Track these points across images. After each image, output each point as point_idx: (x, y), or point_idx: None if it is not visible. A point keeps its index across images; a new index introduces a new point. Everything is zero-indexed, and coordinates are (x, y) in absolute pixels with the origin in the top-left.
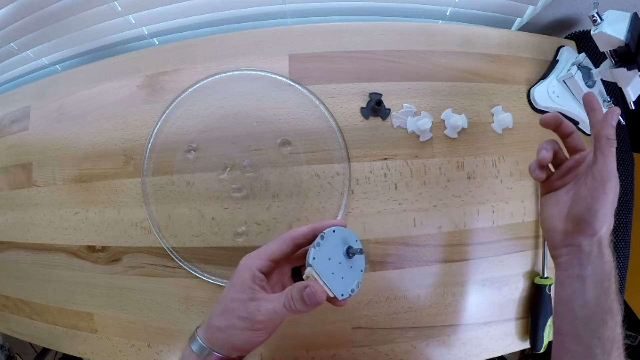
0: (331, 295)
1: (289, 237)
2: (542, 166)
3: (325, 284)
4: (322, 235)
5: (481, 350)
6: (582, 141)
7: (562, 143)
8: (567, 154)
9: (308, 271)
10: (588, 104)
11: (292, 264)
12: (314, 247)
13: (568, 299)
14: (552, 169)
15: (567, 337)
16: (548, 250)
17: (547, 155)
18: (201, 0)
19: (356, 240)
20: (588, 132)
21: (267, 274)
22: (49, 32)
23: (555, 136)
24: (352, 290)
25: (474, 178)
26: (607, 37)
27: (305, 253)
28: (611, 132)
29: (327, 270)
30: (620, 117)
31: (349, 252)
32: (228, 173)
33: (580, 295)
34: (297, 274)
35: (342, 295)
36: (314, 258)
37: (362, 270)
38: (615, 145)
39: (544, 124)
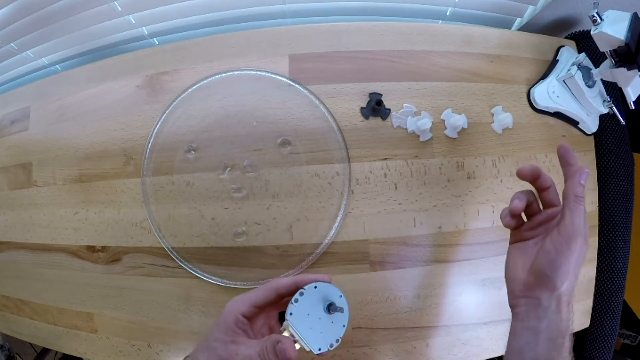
0: (307, 350)
1: (272, 287)
2: (514, 215)
3: (301, 338)
4: (301, 292)
5: (481, 350)
6: (557, 197)
7: (538, 195)
8: (541, 207)
9: (284, 325)
10: (563, 158)
11: (279, 309)
12: (292, 303)
13: (519, 350)
14: (525, 219)
15: None
16: (507, 289)
17: (520, 205)
18: (201, 0)
19: (340, 297)
20: (588, 132)
21: (250, 318)
22: (49, 32)
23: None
24: (331, 345)
25: (474, 178)
26: (607, 37)
27: (289, 301)
28: (579, 190)
29: (304, 325)
30: (620, 117)
31: (330, 309)
32: (228, 173)
33: (532, 348)
34: (283, 318)
35: (320, 349)
36: (290, 314)
37: (344, 326)
38: (583, 203)
39: (521, 176)
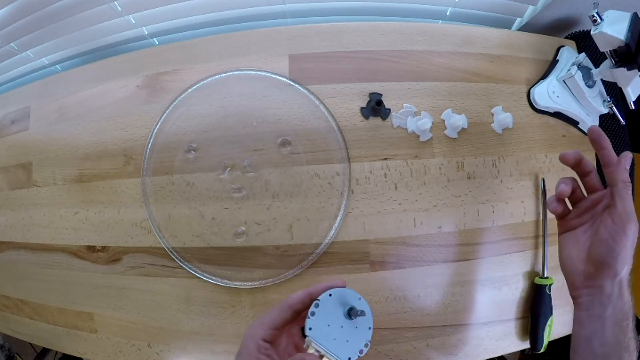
0: None
1: (286, 304)
2: (560, 199)
3: (327, 351)
4: (316, 303)
5: (481, 350)
6: (599, 181)
7: (580, 181)
8: (584, 193)
9: (307, 341)
10: (596, 142)
11: (300, 324)
12: (309, 317)
13: (588, 338)
14: (570, 207)
15: None
16: (566, 281)
17: (566, 189)
18: (201, 0)
19: (359, 299)
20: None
21: (272, 341)
22: (49, 32)
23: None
24: (361, 351)
25: (474, 178)
26: (607, 37)
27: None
28: (626, 176)
29: (327, 337)
30: (620, 117)
31: (351, 314)
32: (228, 173)
33: (600, 334)
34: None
35: (349, 359)
36: (310, 329)
37: (370, 328)
38: (631, 187)
39: (564, 160)
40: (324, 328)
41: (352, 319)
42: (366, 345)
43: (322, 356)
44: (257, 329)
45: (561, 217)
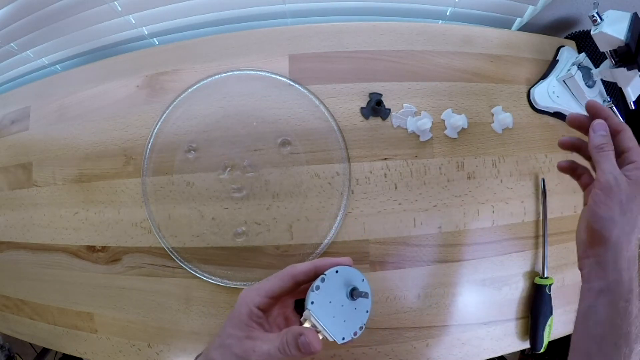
0: (330, 340)
1: (289, 273)
2: (563, 146)
3: (324, 328)
4: (322, 278)
5: (481, 350)
6: (630, 141)
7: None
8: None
9: (305, 315)
10: (575, 125)
11: (295, 296)
12: (313, 291)
13: (584, 314)
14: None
15: (580, 355)
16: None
17: (566, 140)
18: (201, 0)
19: (362, 280)
20: None
21: (266, 309)
22: (49, 32)
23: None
24: (355, 333)
25: (474, 178)
26: (607, 37)
27: (308, 288)
28: (597, 141)
29: (327, 314)
30: (620, 117)
31: (353, 294)
32: (228, 173)
33: (594, 311)
34: (300, 306)
35: (343, 339)
36: (312, 302)
37: (367, 312)
38: (608, 149)
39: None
40: (326, 304)
41: (354, 300)
42: (361, 328)
43: (318, 331)
44: (252, 294)
45: (585, 186)
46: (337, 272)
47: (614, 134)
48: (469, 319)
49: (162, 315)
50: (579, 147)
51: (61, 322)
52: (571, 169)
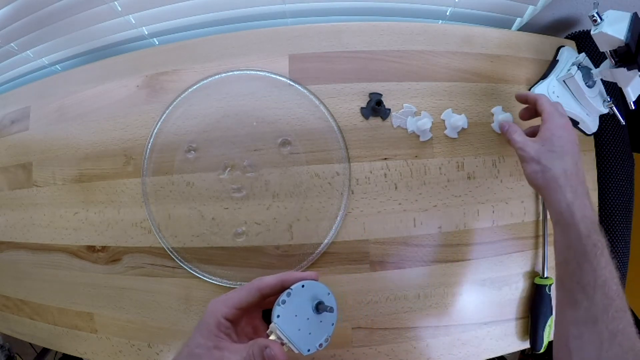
0: (295, 352)
1: (256, 287)
2: (519, 99)
3: (289, 340)
4: (289, 292)
5: (481, 350)
6: (540, 106)
7: None
8: None
9: (271, 328)
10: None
11: (263, 307)
12: (279, 305)
13: (554, 242)
14: None
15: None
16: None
17: (520, 94)
18: (201, 0)
19: (328, 294)
20: (588, 132)
21: (233, 320)
22: (49, 32)
23: None
24: (320, 345)
25: (474, 178)
26: (607, 37)
27: (275, 300)
28: (502, 132)
29: (292, 326)
30: (620, 117)
31: (319, 308)
32: (228, 173)
33: (556, 239)
34: (268, 316)
35: (309, 350)
36: (278, 316)
37: (332, 324)
38: (509, 134)
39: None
40: (291, 318)
41: (319, 313)
42: (326, 340)
43: (283, 344)
44: (220, 306)
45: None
46: (303, 286)
47: (534, 106)
48: (469, 319)
49: (162, 315)
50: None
51: (61, 322)
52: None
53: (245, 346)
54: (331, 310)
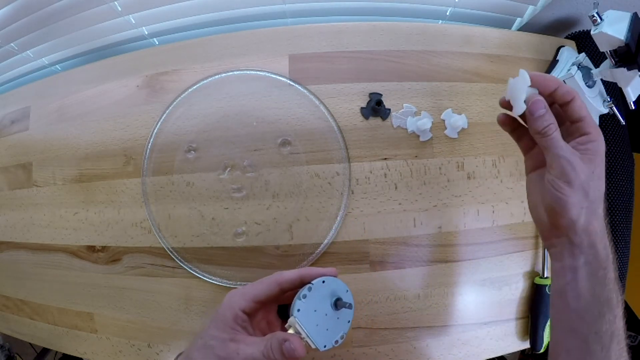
0: (312, 347)
1: (275, 280)
2: (503, 105)
3: (307, 335)
4: (309, 287)
5: (481, 350)
6: (581, 110)
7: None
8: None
9: (291, 321)
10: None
11: (279, 302)
12: (300, 299)
13: (562, 290)
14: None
15: (563, 332)
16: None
17: (504, 98)
18: (201, 0)
19: (347, 291)
20: None
21: (250, 313)
22: (49, 32)
23: None
24: (336, 342)
25: (474, 178)
26: (607, 37)
27: (292, 295)
28: (539, 125)
29: (311, 322)
30: (620, 117)
31: (337, 305)
32: (228, 173)
33: (574, 286)
34: (283, 311)
35: (325, 346)
36: (298, 310)
37: (349, 322)
38: (554, 129)
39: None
40: (310, 312)
41: (337, 310)
42: (342, 337)
43: (301, 338)
44: (238, 298)
45: (526, 150)
46: (323, 282)
47: (564, 104)
48: (469, 319)
49: (162, 315)
50: (521, 127)
51: (61, 322)
52: (511, 128)
53: (262, 339)
54: (350, 307)
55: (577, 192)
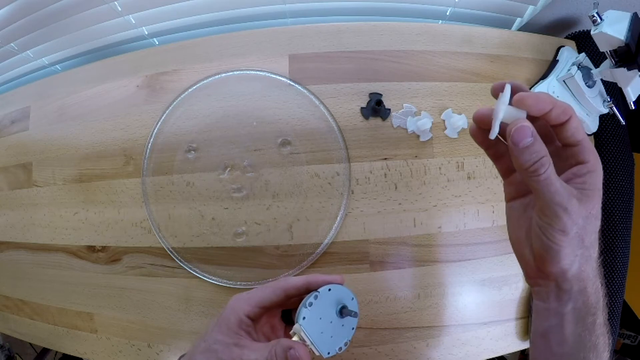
0: (316, 354)
1: (281, 287)
2: (478, 119)
3: (312, 343)
4: (316, 295)
5: (481, 350)
6: (578, 133)
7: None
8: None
9: (296, 329)
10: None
11: (284, 307)
12: (306, 307)
13: (544, 333)
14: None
15: None
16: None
17: (482, 110)
18: (201, 0)
19: (352, 299)
20: (588, 132)
21: (254, 319)
22: (49, 32)
23: None
24: (340, 349)
25: (474, 178)
26: (607, 37)
27: (297, 301)
28: (527, 161)
29: (316, 329)
30: (620, 117)
31: (342, 313)
32: (228, 173)
33: (558, 331)
34: (287, 315)
35: (329, 353)
36: (304, 318)
37: (353, 329)
38: (547, 166)
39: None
40: (316, 320)
41: (342, 317)
42: (346, 344)
43: (305, 345)
44: (243, 303)
45: (506, 173)
46: (329, 290)
47: (558, 125)
48: (469, 319)
49: (162, 315)
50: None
51: (61, 322)
52: (486, 145)
53: (266, 345)
54: (355, 315)
55: (572, 241)
